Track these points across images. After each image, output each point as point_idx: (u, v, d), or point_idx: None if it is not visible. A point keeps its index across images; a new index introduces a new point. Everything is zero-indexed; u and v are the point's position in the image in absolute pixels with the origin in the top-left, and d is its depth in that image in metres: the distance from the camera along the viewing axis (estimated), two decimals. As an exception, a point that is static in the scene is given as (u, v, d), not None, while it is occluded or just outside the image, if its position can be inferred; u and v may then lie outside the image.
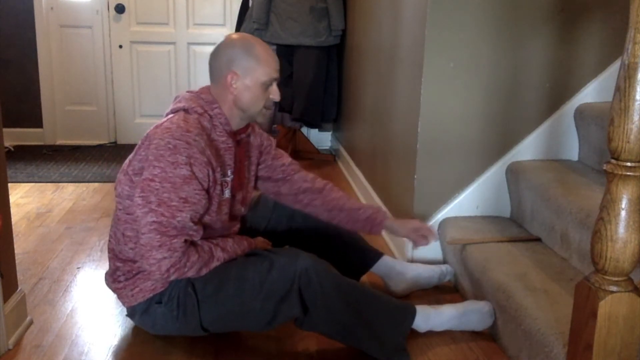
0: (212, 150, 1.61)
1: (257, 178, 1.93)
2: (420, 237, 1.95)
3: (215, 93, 1.68)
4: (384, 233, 2.59)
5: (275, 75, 1.68)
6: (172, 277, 1.59)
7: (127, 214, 1.64)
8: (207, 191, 1.61)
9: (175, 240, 1.53)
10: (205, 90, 1.70)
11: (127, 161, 1.67)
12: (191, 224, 1.56)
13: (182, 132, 1.56)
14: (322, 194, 1.95)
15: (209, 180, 1.60)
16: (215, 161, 1.62)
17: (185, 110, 1.64)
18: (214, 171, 1.61)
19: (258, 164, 1.90)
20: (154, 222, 1.52)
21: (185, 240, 1.56)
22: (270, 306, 1.59)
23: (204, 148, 1.58)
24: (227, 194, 1.71)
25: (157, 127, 1.61)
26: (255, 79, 1.65)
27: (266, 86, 1.67)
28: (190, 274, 1.59)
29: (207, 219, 1.66)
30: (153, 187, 1.53)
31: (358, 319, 1.63)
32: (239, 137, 1.73)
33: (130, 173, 1.62)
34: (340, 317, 1.62)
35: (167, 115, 1.67)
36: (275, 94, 1.70)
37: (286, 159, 1.97)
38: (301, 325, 1.65)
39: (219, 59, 1.67)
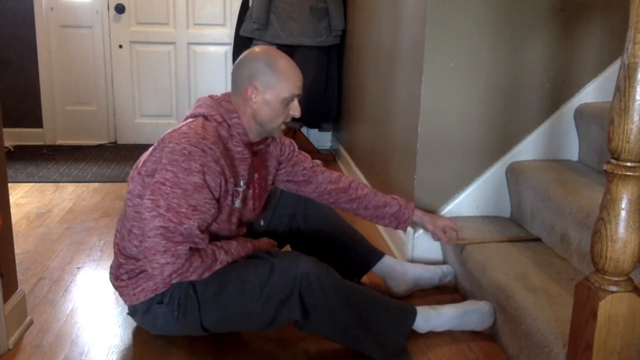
0: (226, 160, 1.60)
1: (273, 181, 1.93)
2: (444, 235, 1.99)
3: (235, 103, 1.67)
4: (383, 232, 2.60)
5: (297, 91, 1.67)
6: (174, 281, 1.59)
7: (136, 212, 1.64)
8: (218, 200, 1.61)
9: (180, 247, 1.53)
10: (227, 97, 1.69)
11: (141, 160, 1.66)
12: (198, 232, 1.55)
13: (199, 139, 1.55)
14: (347, 192, 1.96)
15: (220, 190, 1.60)
16: (229, 171, 1.61)
17: (205, 117, 1.63)
18: (226, 181, 1.61)
19: (277, 171, 1.90)
20: (160, 226, 1.52)
21: (190, 248, 1.56)
22: (270, 309, 1.59)
23: (219, 157, 1.57)
24: (237, 204, 1.70)
25: (174, 130, 1.60)
26: (276, 94, 1.64)
27: (287, 102, 1.66)
28: (193, 278, 1.59)
29: (214, 227, 1.66)
30: (164, 191, 1.52)
31: (358, 321, 1.63)
32: (256, 148, 1.73)
33: (143, 173, 1.61)
34: (341, 320, 1.62)
35: (186, 119, 1.67)
36: (295, 110, 1.70)
37: (307, 162, 1.96)
38: (302, 328, 1.65)
39: (241, 72, 1.66)
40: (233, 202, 1.68)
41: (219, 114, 1.64)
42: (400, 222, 1.98)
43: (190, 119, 1.64)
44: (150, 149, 1.64)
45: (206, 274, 1.61)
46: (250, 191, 1.75)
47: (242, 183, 1.70)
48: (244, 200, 1.73)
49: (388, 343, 1.66)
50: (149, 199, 1.53)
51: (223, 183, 1.60)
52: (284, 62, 1.66)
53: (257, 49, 1.71)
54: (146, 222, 1.54)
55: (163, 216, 1.51)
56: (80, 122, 4.53)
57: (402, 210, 1.97)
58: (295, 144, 1.96)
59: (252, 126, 1.68)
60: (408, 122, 2.29)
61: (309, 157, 1.99)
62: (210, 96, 1.71)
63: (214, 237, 1.67)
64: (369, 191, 1.99)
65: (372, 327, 1.64)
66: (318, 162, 2.00)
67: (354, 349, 1.69)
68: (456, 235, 2.01)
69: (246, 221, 1.83)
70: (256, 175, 1.75)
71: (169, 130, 1.62)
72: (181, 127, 1.60)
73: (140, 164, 1.64)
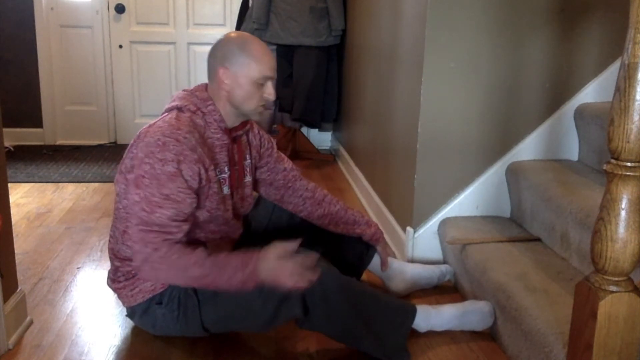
0: (204, 148, 1.61)
1: (257, 181, 1.94)
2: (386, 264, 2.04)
3: (211, 90, 1.69)
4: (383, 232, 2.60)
5: (269, 74, 1.65)
6: (148, 274, 1.57)
7: (127, 212, 1.65)
8: (198, 190, 1.60)
9: (151, 235, 1.53)
10: (201, 87, 1.71)
11: (122, 160, 1.68)
12: (171, 222, 1.54)
13: (173, 130, 1.56)
14: (321, 206, 1.98)
15: (200, 179, 1.59)
16: (209, 158, 1.62)
17: (179, 109, 1.65)
18: (206, 169, 1.61)
19: (257, 167, 1.90)
20: (137, 216, 1.55)
21: (166, 239, 1.54)
22: (270, 307, 1.59)
23: (195, 146, 1.58)
24: (226, 190, 1.71)
25: (150, 126, 1.62)
26: (246, 75, 1.64)
27: (258, 84, 1.65)
28: (166, 273, 1.55)
29: (206, 215, 1.66)
30: (144, 183, 1.54)
31: (359, 319, 1.63)
32: (235, 134, 1.73)
33: (124, 171, 1.64)
34: (342, 318, 1.62)
35: (162, 114, 1.68)
36: (270, 93, 1.67)
37: (287, 163, 1.97)
38: (302, 325, 1.65)
39: (214, 55, 1.68)
40: (221, 189, 1.68)
41: (192, 104, 1.65)
42: (371, 241, 2.03)
43: (165, 114, 1.66)
44: (128, 147, 1.65)
45: (180, 275, 1.54)
46: (236, 177, 1.75)
47: (226, 169, 1.70)
48: (232, 188, 1.74)
49: (388, 341, 1.66)
50: (135, 193, 1.55)
51: (203, 171, 1.59)
52: (256, 44, 1.65)
53: (231, 33, 1.72)
54: (134, 214, 1.57)
55: (141, 207, 1.54)
56: (80, 122, 4.52)
57: (366, 238, 2.01)
58: (273, 141, 1.96)
59: (229, 110, 1.67)
60: (408, 122, 2.29)
61: (287, 158, 2.00)
62: (185, 89, 1.73)
63: (211, 226, 1.68)
64: (341, 207, 2.01)
65: (372, 325, 1.64)
66: (296, 167, 2.01)
67: (354, 349, 1.69)
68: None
69: (239, 213, 1.83)
70: (237, 160, 1.74)
71: (145, 126, 1.64)
72: (156, 122, 1.63)
73: (121, 163, 1.67)
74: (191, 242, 1.63)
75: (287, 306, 1.59)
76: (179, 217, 1.56)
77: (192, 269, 1.53)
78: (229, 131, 1.70)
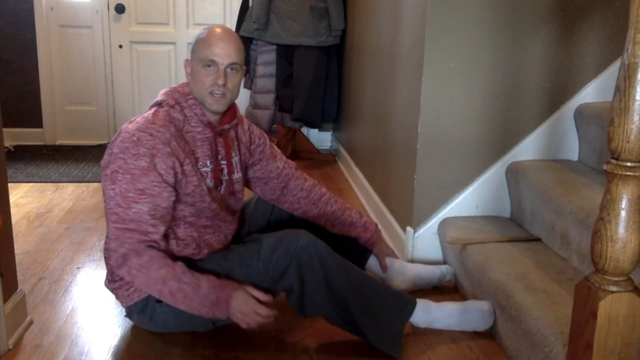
0: (181, 142, 1.62)
1: (251, 181, 1.94)
2: (384, 262, 2.04)
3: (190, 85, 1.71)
4: (383, 233, 2.60)
5: (215, 58, 1.61)
6: (125, 274, 1.59)
7: (107, 209, 1.66)
8: (175, 185, 1.61)
9: (128, 234, 1.56)
10: (185, 84, 1.73)
11: (103, 156, 1.69)
12: (148, 217, 1.56)
13: (147, 125, 1.59)
14: (317, 206, 1.98)
15: (175, 172, 1.60)
16: (185, 152, 1.62)
17: (159, 104, 1.67)
18: (181, 163, 1.61)
19: (250, 165, 1.90)
20: (113, 213, 1.57)
21: (143, 241, 1.56)
22: (272, 284, 1.65)
23: (169, 139, 1.59)
24: (209, 183, 1.71)
25: (130, 122, 1.65)
26: (195, 58, 1.65)
27: (204, 65, 1.62)
28: (141, 282, 1.58)
29: (191, 209, 1.67)
30: (118, 179, 1.56)
31: (358, 298, 1.65)
32: (220, 128, 1.72)
33: (103, 166, 1.65)
34: (341, 294, 1.63)
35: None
36: (217, 77, 1.61)
37: (280, 161, 1.96)
38: (301, 311, 1.67)
39: None
40: (204, 182, 1.68)
41: (172, 98, 1.67)
42: (367, 245, 2.03)
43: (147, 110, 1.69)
44: (110, 142, 1.67)
45: (155, 285, 1.57)
46: (225, 171, 1.76)
47: (208, 163, 1.70)
48: (216, 181, 1.73)
49: (385, 327, 1.67)
50: (110, 189, 1.58)
51: (177, 165, 1.60)
52: (213, 31, 1.65)
53: None
54: (109, 210, 1.59)
55: (116, 203, 1.56)
56: (80, 122, 4.53)
57: (363, 240, 2.01)
58: (266, 136, 1.95)
59: (199, 103, 1.68)
60: (408, 122, 2.29)
61: (281, 155, 1.99)
62: (171, 87, 1.74)
63: (202, 220, 1.70)
64: (338, 207, 2.00)
65: (372, 307, 1.66)
66: (293, 163, 2.00)
67: (352, 347, 1.69)
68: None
69: (231, 208, 1.83)
70: (224, 155, 1.74)
71: (126, 122, 1.66)
72: (136, 118, 1.65)
73: (102, 160, 1.68)
74: (177, 254, 1.67)
75: (284, 281, 1.64)
76: (156, 213, 1.57)
77: (169, 282, 1.56)
78: (212, 125, 1.70)
